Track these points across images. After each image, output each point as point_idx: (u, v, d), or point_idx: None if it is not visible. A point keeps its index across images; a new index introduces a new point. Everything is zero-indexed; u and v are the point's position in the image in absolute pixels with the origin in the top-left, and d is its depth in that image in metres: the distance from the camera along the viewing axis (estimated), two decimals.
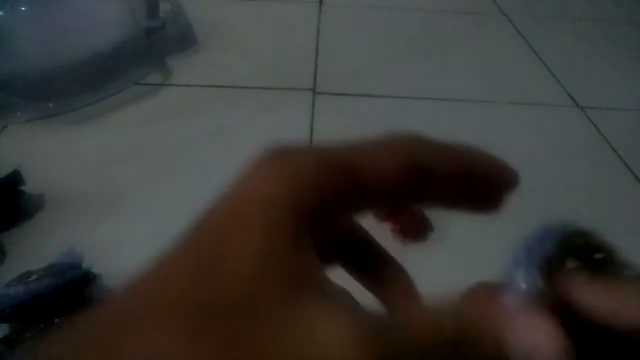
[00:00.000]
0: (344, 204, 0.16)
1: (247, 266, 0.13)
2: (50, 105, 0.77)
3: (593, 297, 0.15)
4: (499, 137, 0.81)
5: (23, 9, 0.74)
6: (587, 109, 0.87)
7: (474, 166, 0.18)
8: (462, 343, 0.14)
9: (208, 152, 0.71)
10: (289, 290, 0.13)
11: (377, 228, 0.48)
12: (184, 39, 0.97)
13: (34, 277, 0.47)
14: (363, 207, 0.17)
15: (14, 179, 0.59)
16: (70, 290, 0.47)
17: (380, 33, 1.10)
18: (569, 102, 0.89)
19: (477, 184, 0.18)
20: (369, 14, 1.17)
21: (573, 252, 0.17)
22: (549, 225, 0.17)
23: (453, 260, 0.56)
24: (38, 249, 0.54)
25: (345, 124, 0.79)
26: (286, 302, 0.13)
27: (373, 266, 0.21)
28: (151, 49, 0.90)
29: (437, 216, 0.60)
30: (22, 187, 0.60)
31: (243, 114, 0.80)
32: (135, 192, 0.63)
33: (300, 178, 0.15)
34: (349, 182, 0.16)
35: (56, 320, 0.44)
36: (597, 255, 0.17)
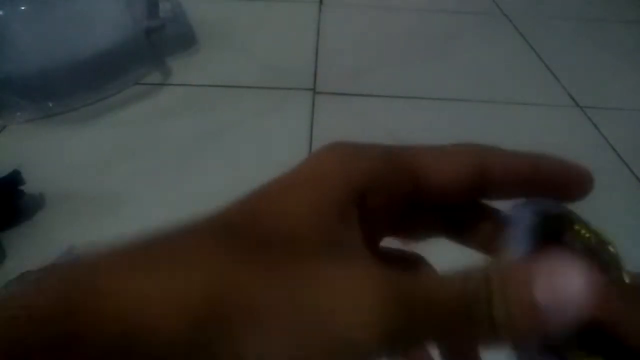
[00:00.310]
0: (400, 196, 0.17)
1: (296, 219, 0.15)
2: (50, 105, 0.77)
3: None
4: (499, 137, 0.81)
5: (23, 8, 0.74)
6: (587, 108, 0.87)
7: (543, 171, 0.18)
8: (489, 301, 0.14)
9: (208, 152, 0.71)
10: (327, 245, 0.15)
11: None
12: (184, 39, 0.97)
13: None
14: (423, 204, 0.18)
15: (14, 179, 0.59)
16: None
17: (380, 33, 1.10)
18: (569, 102, 0.89)
19: (548, 189, 0.18)
20: (369, 13, 1.17)
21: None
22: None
23: (453, 261, 0.56)
24: (38, 249, 0.54)
25: (345, 124, 0.79)
26: (322, 253, 0.14)
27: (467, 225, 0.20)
28: (151, 49, 0.90)
29: None
30: (22, 187, 0.60)
31: (243, 113, 0.80)
32: (135, 192, 0.63)
33: (355, 162, 0.17)
34: (407, 178, 0.17)
35: None
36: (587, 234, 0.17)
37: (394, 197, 0.17)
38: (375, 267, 0.14)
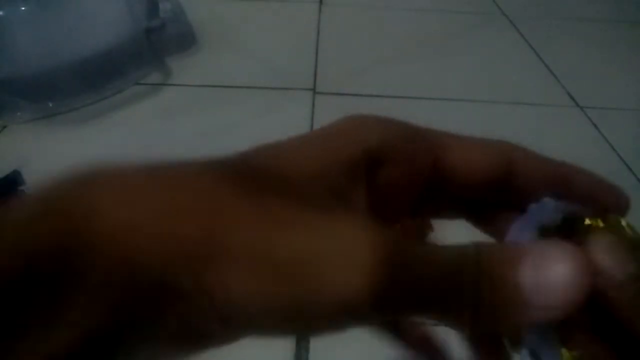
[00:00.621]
0: (418, 172, 0.17)
1: (301, 169, 0.15)
2: (50, 105, 0.77)
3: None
4: (499, 137, 0.81)
5: (23, 8, 0.74)
6: (587, 108, 0.87)
7: (575, 182, 0.18)
8: (476, 281, 0.13)
9: (208, 152, 0.71)
10: (327, 197, 0.14)
11: None
12: (184, 39, 0.97)
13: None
14: (442, 188, 0.17)
15: (14, 179, 0.59)
16: None
17: (380, 33, 1.10)
18: (568, 102, 0.89)
19: (577, 201, 0.17)
20: (369, 13, 1.17)
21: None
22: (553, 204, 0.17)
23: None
24: None
25: None
26: (317, 202, 0.14)
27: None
28: (151, 49, 0.90)
29: None
30: (22, 188, 0.60)
31: (243, 113, 0.80)
32: None
33: (373, 127, 0.17)
34: (428, 155, 0.16)
35: None
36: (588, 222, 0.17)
37: (412, 172, 0.16)
38: (373, 224, 0.14)
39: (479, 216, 0.19)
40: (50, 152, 0.70)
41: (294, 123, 0.78)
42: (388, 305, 0.13)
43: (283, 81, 0.88)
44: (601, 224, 0.16)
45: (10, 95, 0.74)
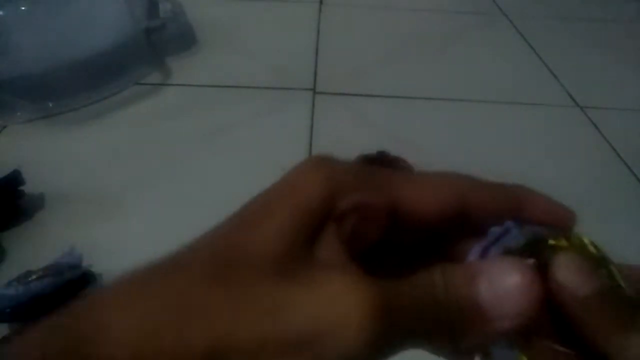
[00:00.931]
0: (379, 220, 0.17)
1: (273, 240, 0.15)
2: (50, 105, 0.77)
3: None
4: (499, 137, 0.81)
5: (23, 8, 0.74)
6: (587, 108, 0.87)
7: (528, 205, 0.18)
8: (446, 305, 0.15)
9: (208, 152, 0.71)
10: (302, 262, 0.15)
11: None
12: (184, 39, 0.97)
13: (34, 277, 0.47)
14: (402, 230, 0.18)
15: (14, 179, 0.59)
16: (70, 291, 0.47)
17: (381, 33, 1.10)
18: (568, 102, 0.89)
19: (536, 223, 0.18)
20: (369, 13, 1.17)
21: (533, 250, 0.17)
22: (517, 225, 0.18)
23: None
24: (38, 249, 0.54)
25: (345, 124, 0.79)
26: (296, 270, 0.14)
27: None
28: (151, 49, 0.90)
29: None
30: (22, 187, 0.60)
31: (243, 113, 0.80)
32: (135, 192, 0.63)
33: (336, 181, 0.16)
34: (384, 199, 0.17)
35: None
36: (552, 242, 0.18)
37: (371, 217, 0.17)
38: (351, 283, 0.14)
39: (442, 247, 0.20)
40: (50, 151, 0.70)
41: (294, 123, 0.78)
42: (382, 348, 0.14)
43: (283, 81, 0.88)
44: (565, 243, 0.17)
45: (10, 95, 0.74)
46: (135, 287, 0.14)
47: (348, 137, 0.75)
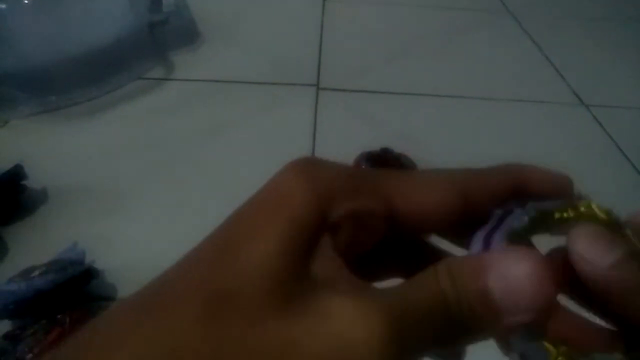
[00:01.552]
0: (376, 227, 0.16)
1: (266, 265, 0.13)
2: (53, 99, 0.76)
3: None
4: (504, 135, 0.81)
5: (26, 2, 0.74)
6: (592, 107, 0.87)
7: (527, 185, 0.18)
8: (456, 304, 0.14)
9: (211, 147, 0.71)
10: (301, 286, 0.13)
11: None
12: (187, 34, 0.97)
13: (37, 273, 0.47)
14: (401, 231, 0.17)
15: (16, 174, 0.59)
16: (73, 286, 0.47)
17: (384, 29, 1.09)
18: (574, 100, 0.89)
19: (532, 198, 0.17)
20: (372, 10, 1.16)
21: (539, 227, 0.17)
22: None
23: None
24: (40, 244, 0.54)
25: (348, 120, 0.79)
26: (296, 297, 0.13)
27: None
28: (154, 43, 0.89)
29: None
30: (25, 182, 0.60)
31: (246, 109, 0.80)
32: (138, 187, 0.63)
33: (326, 187, 0.15)
34: (380, 208, 0.16)
35: (58, 316, 0.44)
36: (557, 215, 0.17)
37: (368, 224, 0.16)
38: (364, 301, 0.13)
39: (448, 235, 0.19)
40: (53, 146, 0.70)
41: (297, 118, 0.78)
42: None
43: (286, 76, 0.87)
44: (572, 214, 0.17)
45: (13, 89, 0.74)
46: (126, 328, 0.13)
47: (351, 134, 0.74)
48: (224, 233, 0.15)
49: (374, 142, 0.66)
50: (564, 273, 0.16)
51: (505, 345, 0.15)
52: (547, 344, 0.15)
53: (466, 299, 0.14)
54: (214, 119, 0.77)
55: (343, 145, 0.66)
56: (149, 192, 0.63)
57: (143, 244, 0.55)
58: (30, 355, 0.40)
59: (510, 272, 0.14)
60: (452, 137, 0.77)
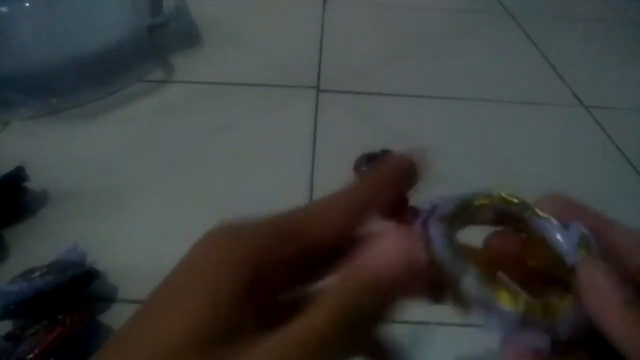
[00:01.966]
0: (298, 266, 0.18)
1: (186, 322, 0.15)
2: (54, 101, 0.77)
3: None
4: (504, 137, 0.81)
5: (27, 5, 0.74)
6: (592, 108, 0.87)
7: (401, 177, 0.21)
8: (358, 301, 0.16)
9: (211, 150, 0.71)
10: (220, 342, 0.15)
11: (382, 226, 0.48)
12: (188, 36, 0.97)
13: (38, 274, 0.47)
14: (320, 267, 0.19)
15: (18, 176, 0.59)
16: (73, 287, 0.47)
17: (385, 31, 1.10)
18: (574, 102, 0.89)
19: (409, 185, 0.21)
20: (373, 12, 1.17)
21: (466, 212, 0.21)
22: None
23: None
24: (41, 246, 0.54)
25: (348, 122, 0.79)
26: (216, 352, 0.15)
27: None
28: (154, 46, 0.90)
29: None
30: (26, 184, 0.60)
31: (246, 111, 0.80)
32: (139, 189, 0.63)
33: (243, 245, 0.17)
34: (296, 247, 0.18)
35: (59, 317, 0.44)
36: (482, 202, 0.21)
37: (290, 267, 0.18)
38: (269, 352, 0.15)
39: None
40: (54, 148, 0.70)
41: (297, 121, 0.78)
42: None
43: (287, 79, 0.88)
44: (486, 201, 0.21)
45: (14, 92, 0.74)
46: None
47: (352, 136, 0.74)
48: (152, 300, 0.17)
49: (374, 144, 0.66)
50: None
51: (458, 305, 0.18)
52: (500, 290, 0.17)
53: (352, 276, 0.16)
54: (214, 122, 0.77)
55: (343, 146, 0.67)
56: (150, 194, 0.63)
57: (144, 245, 0.55)
58: (31, 356, 0.40)
59: (379, 242, 0.17)
60: (452, 138, 0.77)
